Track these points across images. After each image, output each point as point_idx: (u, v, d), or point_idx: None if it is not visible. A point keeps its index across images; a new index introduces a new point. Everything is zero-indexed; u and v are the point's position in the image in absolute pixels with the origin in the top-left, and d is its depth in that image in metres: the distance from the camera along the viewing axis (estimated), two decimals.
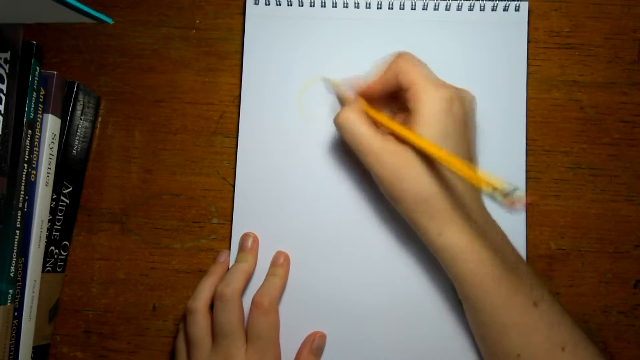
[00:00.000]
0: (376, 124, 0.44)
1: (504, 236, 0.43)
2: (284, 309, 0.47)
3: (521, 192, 0.35)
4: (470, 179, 0.37)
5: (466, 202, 0.41)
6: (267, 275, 0.47)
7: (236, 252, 0.48)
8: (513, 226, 0.47)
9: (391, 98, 0.45)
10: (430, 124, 0.40)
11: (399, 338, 0.47)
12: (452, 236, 0.40)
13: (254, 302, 0.44)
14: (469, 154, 0.42)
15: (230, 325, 0.43)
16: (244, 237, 0.48)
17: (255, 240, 0.48)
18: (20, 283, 0.44)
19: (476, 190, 0.42)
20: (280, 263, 0.47)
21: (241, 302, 0.45)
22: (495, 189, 0.36)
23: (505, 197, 0.35)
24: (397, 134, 0.41)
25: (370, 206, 0.48)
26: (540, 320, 0.40)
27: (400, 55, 0.43)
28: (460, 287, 0.42)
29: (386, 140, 0.41)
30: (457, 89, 0.42)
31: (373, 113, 0.43)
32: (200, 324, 0.44)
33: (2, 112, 0.42)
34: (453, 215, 0.40)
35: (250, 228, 0.48)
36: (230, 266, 0.47)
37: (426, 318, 0.47)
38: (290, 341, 0.47)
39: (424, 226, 0.41)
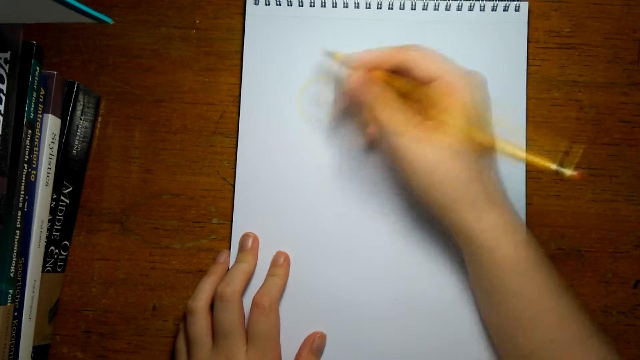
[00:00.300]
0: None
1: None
2: (284, 309, 0.47)
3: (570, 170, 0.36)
4: (523, 158, 0.39)
5: (499, 187, 0.42)
6: (268, 275, 0.47)
7: (234, 253, 0.48)
8: None
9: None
10: (469, 113, 0.40)
11: (399, 338, 0.47)
12: (495, 219, 0.40)
13: (254, 302, 0.44)
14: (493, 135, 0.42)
15: (231, 326, 0.43)
16: (244, 237, 0.48)
17: (255, 240, 0.48)
18: (20, 283, 0.44)
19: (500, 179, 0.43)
20: (281, 263, 0.47)
21: (241, 302, 0.45)
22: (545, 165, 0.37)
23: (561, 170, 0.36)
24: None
25: (371, 206, 0.48)
26: (572, 306, 0.40)
27: (412, 48, 0.43)
28: (497, 272, 0.41)
29: (421, 125, 0.41)
30: (475, 74, 0.42)
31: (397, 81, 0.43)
32: (200, 324, 0.44)
33: (2, 112, 0.42)
34: (492, 199, 0.40)
35: (250, 228, 0.48)
36: (230, 266, 0.47)
37: (426, 317, 0.47)
38: (290, 341, 0.47)
39: (464, 212, 0.40)
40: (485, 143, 0.40)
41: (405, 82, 0.43)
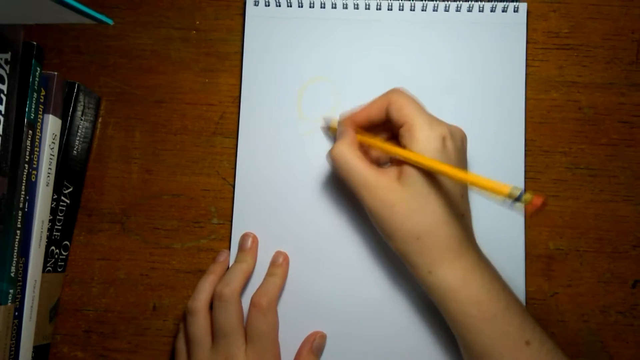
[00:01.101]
0: (371, 155, 0.45)
1: (495, 272, 0.42)
2: (284, 308, 0.47)
3: (529, 195, 0.35)
4: (477, 185, 0.37)
5: (459, 239, 0.40)
6: (266, 275, 0.47)
7: (234, 253, 0.48)
8: (511, 226, 0.47)
9: (378, 131, 0.45)
10: (426, 160, 0.40)
11: (399, 337, 0.47)
12: (443, 274, 0.40)
13: (252, 302, 0.44)
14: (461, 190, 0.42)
15: (230, 325, 0.43)
16: (244, 237, 0.48)
17: (255, 240, 0.48)
18: (20, 283, 0.44)
19: (469, 224, 0.42)
20: (280, 263, 0.47)
21: (240, 302, 0.45)
22: (504, 195, 0.36)
23: (515, 202, 0.35)
24: (396, 154, 0.41)
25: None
26: (532, 359, 0.39)
27: (394, 90, 0.43)
28: (451, 324, 0.41)
29: (380, 175, 0.41)
30: (449, 126, 0.41)
31: (367, 139, 0.44)
32: (200, 324, 0.44)
33: (3, 112, 0.42)
34: (444, 254, 0.40)
35: (250, 228, 0.48)
36: (229, 266, 0.48)
37: (427, 316, 0.47)
38: (290, 341, 0.47)
39: (414, 263, 0.41)
40: (447, 169, 0.39)
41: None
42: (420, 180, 0.40)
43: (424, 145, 0.40)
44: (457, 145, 0.41)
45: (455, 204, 0.41)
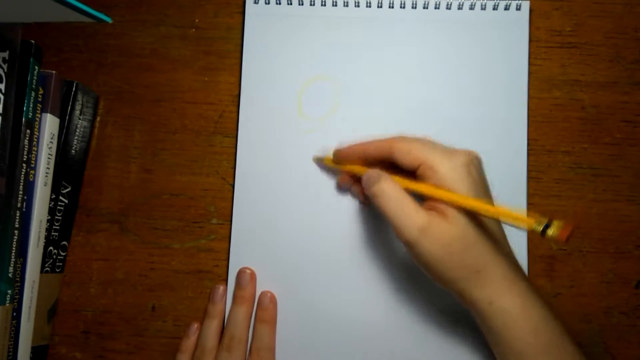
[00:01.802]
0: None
1: (546, 298, 0.40)
2: (283, 311, 0.47)
3: (555, 229, 0.35)
4: (522, 223, 0.37)
5: (513, 266, 0.40)
6: (256, 321, 0.47)
7: (234, 253, 0.48)
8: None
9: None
10: (458, 190, 0.39)
11: (398, 354, 0.47)
12: (504, 304, 0.39)
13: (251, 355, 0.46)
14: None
15: None
16: (241, 275, 0.48)
17: (253, 277, 0.48)
18: (19, 283, 0.44)
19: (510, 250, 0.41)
20: (266, 306, 0.47)
21: (245, 351, 0.46)
22: (529, 227, 0.36)
23: (543, 233, 0.35)
24: (438, 198, 0.39)
25: (370, 204, 0.48)
26: None
27: (397, 138, 0.42)
28: (505, 353, 0.40)
29: (431, 214, 0.39)
30: (465, 151, 0.40)
31: (404, 181, 0.41)
32: None
33: (1, 111, 0.41)
34: (504, 283, 0.39)
35: (249, 227, 0.48)
36: (229, 267, 0.47)
37: (426, 334, 0.46)
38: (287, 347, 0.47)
39: (475, 297, 0.39)
40: (486, 216, 0.39)
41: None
42: (465, 214, 0.39)
43: (451, 178, 0.39)
44: (479, 169, 0.40)
45: (497, 230, 0.40)
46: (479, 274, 0.39)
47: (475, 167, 0.40)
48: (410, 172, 0.40)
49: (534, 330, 0.39)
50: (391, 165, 0.41)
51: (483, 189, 0.40)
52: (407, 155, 0.40)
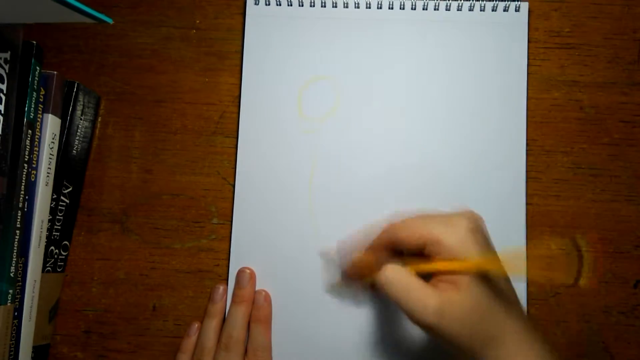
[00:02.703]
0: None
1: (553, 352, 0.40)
2: (283, 311, 0.47)
3: None
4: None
5: (529, 327, 0.39)
6: (251, 321, 0.47)
7: (234, 253, 0.48)
8: (513, 227, 0.47)
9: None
10: (469, 256, 0.39)
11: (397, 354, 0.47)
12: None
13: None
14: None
15: None
16: (241, 274, 0.48)
17: (253, 277, 0.48)
18: (20, 283, 0.44)
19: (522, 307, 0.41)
20: (261, 304, 0.47)
21: (243, 350, 0.46)
22: None
23: None
24: (452, 270, 0.39)
25: (369, 204, 0.48)
26: None
27: (395, 224, 0.41)
28: None
29: (442, 290, 0.38)
30: (465, 215, 0.40)
31: (415, 263, 0.40)
32: None
33: (2, 112, 0.42)
34: (520, 346, 0.39)
35: (249, 227, 0.48)
36: (233, 269, 0.47)
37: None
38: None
39: (492, 357, 0.39)
40: (498, 275, 0.39)
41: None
42: (476, 282, 0.38)
43: (459, 248, 0.39)
44: (482, 230, 0.40)
45: (509, 290, 0.40)
46: (497, 339, 0.38)
47: (478, 229, 0.40)
48: (418, 253, 0.40)
49: None
50: (398, 250, 0.41)
51: (489, 249, 0.40)
52: (409, 239, 0.40)
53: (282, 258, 0.48)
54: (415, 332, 0.46)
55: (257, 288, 0.48)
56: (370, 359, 0.47)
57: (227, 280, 0.48)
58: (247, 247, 0.48)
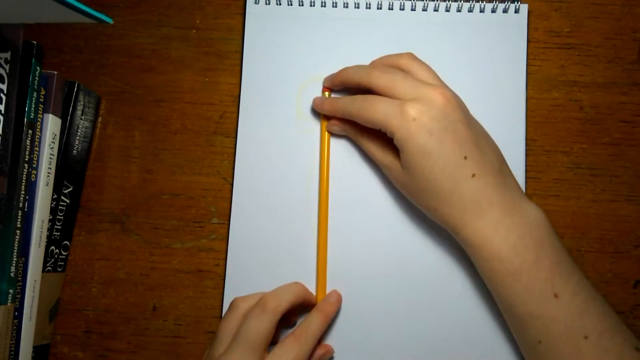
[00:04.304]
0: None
1: (529, 225, 0.41)
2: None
3: None
4: None
5: (474, 200, 0.41)
6: (314, 309, 0.46)
7: (232, 253, 0.48)
8: None
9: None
10: (413, 162, 0.42)
11: (408, 333, 0.47)
12: (466, 235, 0.42)
13: (292, 333, 0.43)
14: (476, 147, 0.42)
15: (255, 335, 0.41)
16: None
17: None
18: (20, 283, 0.44)
19: (489, 180, 0.41)
20: (332, 301, 0.47)
21: (277, 321, 0.43)
22: None
23: None
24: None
25: (368, 203, 0.48)
26: (559, 311, 0.40)
27: (358, 98, 0.45)
28: (482, 278, 0.43)
29: (392, 159, 0.45)
30: (416, 103, 0.41)
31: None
32: (232, 323, 0.43)
33: (3, 112, 0.42)
34: (462, 217, 0.42)
35: (248, 227, 0.48)
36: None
37: (435, 311, 0.47)
38: None
39: (442, 224, 0.43)
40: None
41: None
42: (413, 163, 0.42)
43: (397, 138, 0.42)
44: (434, 116, 0.41)
45: (459, 168, 0.41)
46: (436, 211, 0.43)
47: (429, 115, 0.41)
48: None
49: (498, 259, 0.41)
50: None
51: (441, 136, 0.41)
52: (363, 120, 0.44)
53: (281, 258, 0.48)
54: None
55: (257, 287, 0.47)
56: (369, 354, 0.47)
57: (224, 280, 0.48)
58: (245, 247, 0.48)
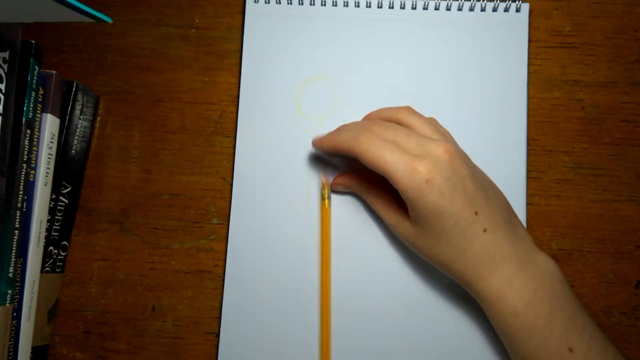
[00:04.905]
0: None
1: (542, 278, 0.41)
2: (282, 310, 0.47)
3: None
4: None
5: (488, 255, 0.41)
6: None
7: (231, 252, 0.48)
8: None
9: None
10: (420, 218, 0.41)
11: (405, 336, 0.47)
12: (479, 290, 0.41)
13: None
14: (485, 200, 0.41)
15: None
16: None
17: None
18: (19, 283, 0.44)
19: (501, 235, 0.41)
20: None
21: None
22: None
23: None
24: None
25: (367, 203, 0.48)
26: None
27: (356, 142, 0.42)
28: (496, 331, 0.43)
29: (400, 217, 0.44)
30: (432, 159, 0.40)
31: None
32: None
33: (1, 111, 0.41)
34: (475, 274, 0.41)
35: (247, 227, 0.48)
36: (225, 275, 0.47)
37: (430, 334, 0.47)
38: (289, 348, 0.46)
39: (457, 279, 0.43)
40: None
41: None
42: (424, 221, 0.41)
43: (408, 197, 0.40)
44: (445, 175, 0.40)
45: (470, 224, 0.40)
46: (448, 268, 0.42)
47: (440, 175, 0.40)
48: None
49: (513, 314, 0.40)
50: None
51: (452, 195, 0.40)
52: (369, 163, 0.42)
53: (280, 258, 0.48)
54: (419, 331, 0.46)
55: (255, 286, 0.47)
56: (375, 349, 0.47)
57: (224, 280, 0.48)
58: (244, 247, 0.48)
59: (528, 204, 0.48)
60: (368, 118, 0.47)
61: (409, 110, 0.45)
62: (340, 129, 0.45)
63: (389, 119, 0.45)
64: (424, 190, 0.40)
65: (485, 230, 0.41)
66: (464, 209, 0.40)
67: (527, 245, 0.42)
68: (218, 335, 0.47)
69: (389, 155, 0.40)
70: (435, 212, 0.40)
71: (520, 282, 0.40)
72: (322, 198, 0.48)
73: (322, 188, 0.48)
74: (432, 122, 0.45)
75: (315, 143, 0.46)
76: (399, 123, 0.44)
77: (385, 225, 0.47)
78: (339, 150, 0.43)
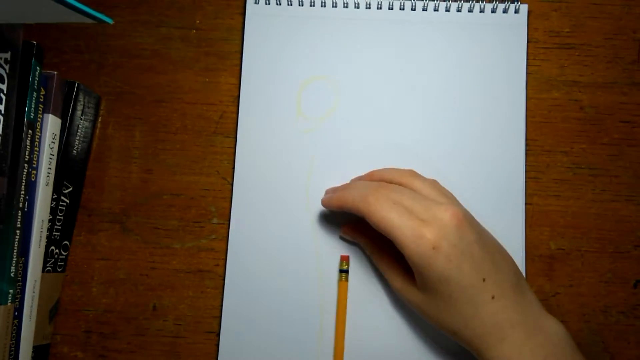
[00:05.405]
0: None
1: (549, 342, 0.40)
2: (281, 310, 0.47)
3: None
4: None
5: (496, 324, 0.40)
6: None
7: (231, 252, 0.48)
8: (512, 226, 0.47)
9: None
10: (428, 284, 0.41)
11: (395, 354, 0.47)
12: (492, 357, 0.40)
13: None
14: (495, 260, 0.41)
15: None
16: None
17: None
18: (20, 283, 0.44)
19: (508, 303, 0.40)
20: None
21: None
22: None
23: None
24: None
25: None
26: None
27: (369, 200, 0.42)
28: None
29: (406, 282, 0.43)
30: (438, 225, 0.40)
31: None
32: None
33: (3, 112, 0.42)
34: (483, 342, 0.40)
35: (248, 227, 0.48)
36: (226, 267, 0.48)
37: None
38: (293, 346, 0.47)
39: (465, 345, 0.42)
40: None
41: None
42: (431, 288, 0.40)
43: (415, 263, 0.40)
44: (452, 242, 0.39)
45: (479, 292, 0.40)
46: (457, 335, 0.41)
47: (446, 241, 0.39)
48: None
49: None
50: None
51: (459, 261, 0.39)
52: (377, 226, 0.41)
53: (280, 257, 0.48)
54: (421, 331, 0.47)
55: (254, 287, 0.47)
56: (370, 357, 0.47)
57: (224, 279, 0.48)
58: (244, 247, 0.48)
59: (527, 203, 0.48)
60: (371, 177, 0.46)
61: (412, 173, 0.45)
62: (348, 187, 0.45)
63: (391, 182, 0.44)
64: (430, 257, 0.39)
65: (493, 297, 0.40)
66: (471, 276, 0.40)
67: (536, 310, 0.41)
68: (218, 335, 0.47)
69: (396, 219, 0.40)
70: (442, 280, 0.39)
71: (530, 350, 0.39)
72: (341, 272, 0.47)
73: (341, 264, 0.47)
74: (435, 185, 0.44)
75: (324, 202, 0.46)
76: (401, 185, 0.44)
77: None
78: (346, 209, 0.43)
